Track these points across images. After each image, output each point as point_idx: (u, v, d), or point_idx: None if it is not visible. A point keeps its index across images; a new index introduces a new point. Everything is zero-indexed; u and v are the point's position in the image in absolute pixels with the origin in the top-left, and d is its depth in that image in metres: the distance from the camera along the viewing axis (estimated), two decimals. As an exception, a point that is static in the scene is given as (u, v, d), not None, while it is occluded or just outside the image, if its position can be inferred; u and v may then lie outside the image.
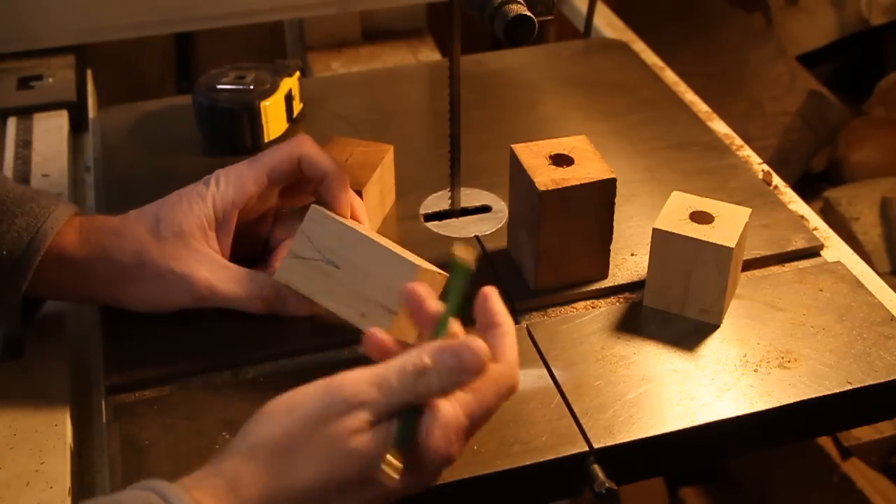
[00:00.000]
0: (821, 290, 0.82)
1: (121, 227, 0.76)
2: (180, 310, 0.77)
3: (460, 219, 0.91)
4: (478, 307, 0.64)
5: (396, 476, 0.57)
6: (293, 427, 0.57)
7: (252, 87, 0.99)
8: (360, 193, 0.83)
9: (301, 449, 0.57)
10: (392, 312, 0.72)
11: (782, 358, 0.76)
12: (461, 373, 0.59)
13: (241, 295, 0.76)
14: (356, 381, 0.58)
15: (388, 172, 0.91)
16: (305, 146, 0.79)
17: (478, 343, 0.59)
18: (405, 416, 0.58)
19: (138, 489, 0.55)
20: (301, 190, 0.82)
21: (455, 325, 0.64)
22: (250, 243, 0.82)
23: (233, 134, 0.99)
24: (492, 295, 0.64)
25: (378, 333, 0.63)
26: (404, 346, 0.63)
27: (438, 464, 0.59)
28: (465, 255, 0.63)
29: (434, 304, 0.63)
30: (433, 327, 0.62)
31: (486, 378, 0.60)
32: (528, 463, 0.68)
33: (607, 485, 0.67)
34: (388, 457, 0.57)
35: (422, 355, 0.59)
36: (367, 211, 0.83)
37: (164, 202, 0.77)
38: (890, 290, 0.85)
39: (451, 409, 0.59)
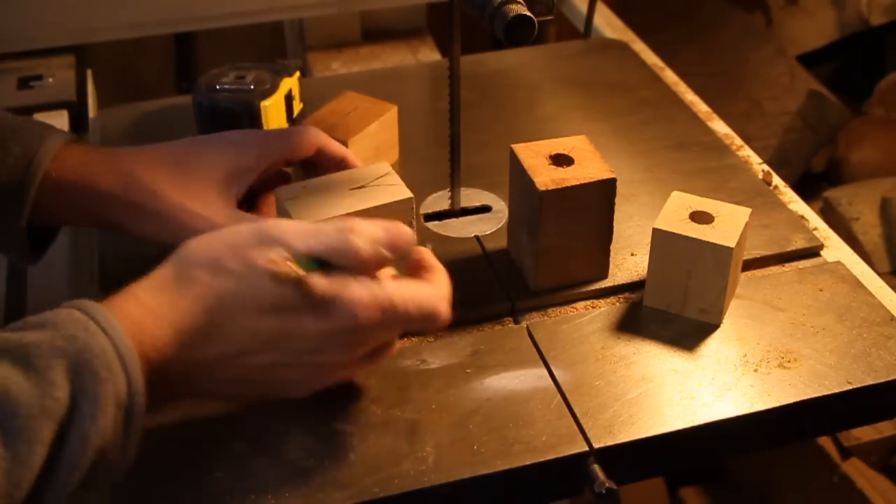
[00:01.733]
0: (821, 290, 0.82)
1: (137, 157, 0.77)
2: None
3: (460, 219, 0.91)
4: (412, 261, 0.68)
5: (307, 280, 0.60)
6: (218, 249, 0.62)
7: (252, 87, 0.99)
8: (345, 143, 0.89)
9: (220, 269, 0.61)
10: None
11: (782, 358, 0.76)
12: (387, 244, 0.63)
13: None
14: (292, 224, 0.64)
15: (388, 130, 0.97)
16: (321, 137, 0.83)
17: (403, 228, 0.65)
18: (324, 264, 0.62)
19: (65, 307, 0.57)
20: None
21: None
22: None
23: (233, 134, 0.99)
24: (425, 251, 0.69)
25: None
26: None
27: (349, 312, 0.62)
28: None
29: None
30: None
31: (415, 287, 0.65)
32: (528, 463, 0.68)
33: (607, 485, 0.67)
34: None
35: (353, 220, 0.64)
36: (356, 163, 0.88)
37: (187, 146, 0.79)
38: (890, 290, 0.85)
39: (371, 279, 0.63)
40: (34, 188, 0.74)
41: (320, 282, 0.61)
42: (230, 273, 0.61)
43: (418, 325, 0.67)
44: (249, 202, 0.83)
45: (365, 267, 0.63)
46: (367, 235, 0.63)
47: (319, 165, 0.84)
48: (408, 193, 0.80)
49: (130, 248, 0.83)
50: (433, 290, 0.66)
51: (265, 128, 0.99)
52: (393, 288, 0.64)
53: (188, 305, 0.60)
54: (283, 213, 0.78)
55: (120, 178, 0.76)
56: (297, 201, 0.78)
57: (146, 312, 0.59)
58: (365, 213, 0.77)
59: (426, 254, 0.69)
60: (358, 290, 0.62)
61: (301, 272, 0.61)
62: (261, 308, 0.61)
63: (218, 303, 0.60)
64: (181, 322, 0.60)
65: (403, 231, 0.65)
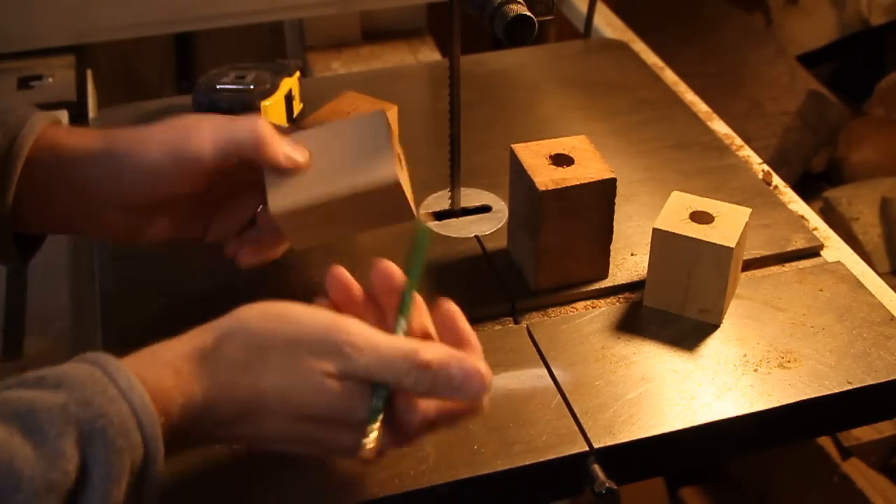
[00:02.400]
0: (821, 290, 0.82)
1: (133, 132, 0.71)
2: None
3: (460, 219, 0.91)
4: (442, 324, 0.64)
5: (374, 447, 0.58)
6: (275, 339, 0.58)
7: (252, 87, 0.99)
8: None
9: (270, 361, 0.57)
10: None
11: (782, 358, 0.76)
12: (457, 392, 0.59)
13: (272, 138, 0.70)
14: (361, 334, 0.58)
15: None
16: (262, 124, 0.73)
17: (487, 373, 0.60)
18: (378, 390, 0.59)
19: (82, 362, 0.55)
20: None
21: (418, 300, 0.64)
22: (234, 217, 0.77)
23: (233, 134, 0.99)
24: (457, 314, 0.64)
25: (341, 271, 0.64)
26: (366, 289, 0.65)
27: (406, 442, 0.61)
28: (425, 218, 0.65)
29: (398, 277, 0.64)
30: (398, 300, 0.63)
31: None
32: (528, 463, 0.68)
33: (607, 485, 0.67)
34: (370, 430, 0.58)
35: (428, 353, 0.59)
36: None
37: (189, 122, 0.71)
38: (890, 290, 0.85)
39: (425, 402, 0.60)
40: (17, 170, 0.68)
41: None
42: (280, 372, 0.57)
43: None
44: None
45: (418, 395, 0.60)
46: (436, 375, 0.59)
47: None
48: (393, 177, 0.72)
49: (130, 247, 0.83)
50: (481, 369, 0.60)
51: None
52: (444, 408, 0.61)
53: (225, 388, 0.57)
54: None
55: (98, 139, 0.70)
56: (278, 186, 0.71)
57: (176, 379, 0.56)
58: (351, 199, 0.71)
59: (461, 322, 0.64)
60: (410, 421, 0.60)
61: (374, 439, 0.58)
62: (304, 416, 0.58)
63: (258, 397, 0.57)
64: (214, 402, 0.57)
65: (484, 374, 0.60)
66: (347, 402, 0.58)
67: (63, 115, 1.09)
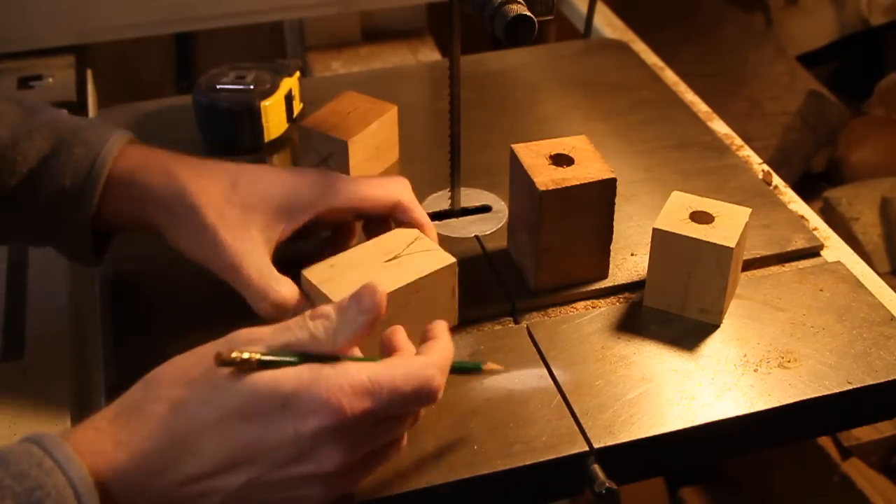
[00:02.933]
0: (821, 290, 0.82)
1: (195, 169, 0.75)
2: (204, 266, 0.75)
3: (460, 219, 0.91)
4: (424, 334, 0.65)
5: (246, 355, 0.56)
6: (185, 364, 0.58)
7: (252, 87, 0.99)
8: (345, 144, 0.90)
9: (184, 381, 0.57)
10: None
11: (782, 358, 0.76)
12: (358, 312, 0.59)
13: (260, 285, 0.72)
14: (264, 328, 0.59)
15: (389, 130, 0.97)
16: (404, 193, 0.78)
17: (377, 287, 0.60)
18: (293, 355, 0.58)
19: (23, 441, 0.55)
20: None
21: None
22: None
23: (233, 134, 0.99)
24: (441, 323, 0.66)
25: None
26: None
27: (328, 404, 0.56)
28: (494, 367, 0.68)
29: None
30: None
31: (401, 359, 0.60)
32: (528, 463, 0.68)
33: (607, 485, 0.67)
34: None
35: (322, 307, 0.60)
36: (354, 164, 0.88)
37: (249, 169, 0.76)
38: (890, 290, 0.85)
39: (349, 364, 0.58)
40: (98, 192, 0.73)
41: (286, 374, 0.56)
42: (192, 383, 0.56)
43: (412, 400, 0.59)
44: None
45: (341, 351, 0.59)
46: (333, 321, 0.59)
47: (380, 224, 0.78)
48: (450, 259, 0.74)
49: (130, 248, 0.83)
50: (424, 360, 0.60)
51: (265, 128, 0.99)
52: (375, 366, 0.58)
53: (149, 427, 0.55)
54: (314, 295, 0.72)
55: (171, 188, 0.73)
56: (332, 283, 0.71)
57: (105, 440, 0.55)
58: (411, 286, 0.71)
59: (439, 326, 0.65)
60: (334, 376, 0.56)
61: (248, 355, 0.56)
62: (227, 416, 0.55)
63: (180, 418, 0.56)
64: (141, 445, 0.55)
65: (369, 292, 0.60)
66: (263, 383, 0.56)
67: (63, 115, 1.10)
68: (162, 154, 0.76)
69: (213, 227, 0.72)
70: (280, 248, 0.76)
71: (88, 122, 0.77)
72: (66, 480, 0.52)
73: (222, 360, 0.56)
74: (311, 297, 0.73)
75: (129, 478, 0.55)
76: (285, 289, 0.73)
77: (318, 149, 0.93)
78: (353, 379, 0.57)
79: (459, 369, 0.67)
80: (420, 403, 0.61)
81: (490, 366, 0.68)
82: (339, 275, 0.72)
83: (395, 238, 0.75)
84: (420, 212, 0.78)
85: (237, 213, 0.73)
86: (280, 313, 0.72)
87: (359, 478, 0.62)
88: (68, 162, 0.73)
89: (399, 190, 0.78)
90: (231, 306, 0.76)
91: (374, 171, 0.95)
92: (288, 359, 0.57)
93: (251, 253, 0.73)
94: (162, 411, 0.56)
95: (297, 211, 0.75)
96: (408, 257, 0.74)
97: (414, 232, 0.76)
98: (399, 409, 0.59)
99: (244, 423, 0.56)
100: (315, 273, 0.73)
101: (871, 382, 0.74)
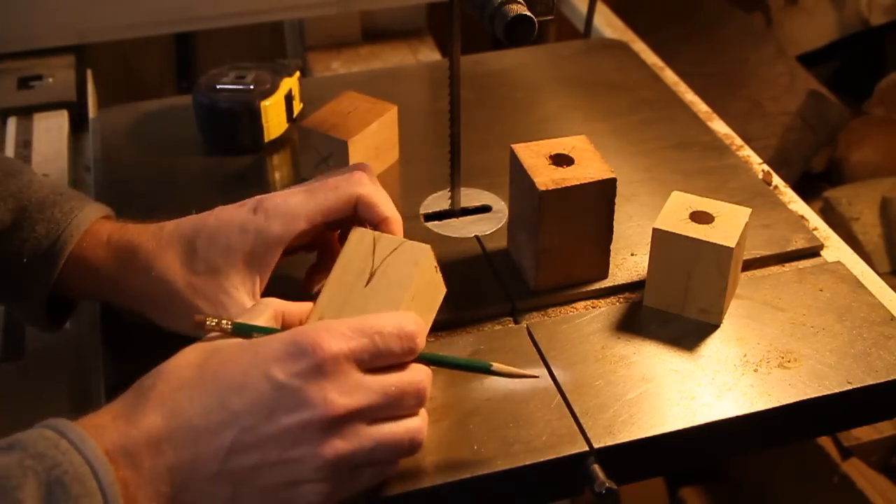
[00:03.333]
0: (821, 290, 0.82)
1: (153, 250, 0.72)
2: None
3: (460, 219, 0.91)
4: None
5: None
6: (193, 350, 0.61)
7: (252, 87, 0.99)
8: (345, 144, 0.91)
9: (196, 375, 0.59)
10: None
11: (782, 358, 0.76)
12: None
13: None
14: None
15: (389, 130, 0.97)
16: (363, 186, 0.74)
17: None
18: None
19: (36, 428, 0.56)
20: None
21: None
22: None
23: (233, 134, 0.99)
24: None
25: None
26: None
27: (304, 349, 0.57)
28: (502, 369, 0.67)
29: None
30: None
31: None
32: (528, 463, 0.68)
33: (607, 485, 0.67)
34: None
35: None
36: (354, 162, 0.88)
37: (203, 228, 0.72)
38: (890, 290, 0.85)
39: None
40: (55, 272, 0.72)
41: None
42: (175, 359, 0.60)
43: (394, 341, 0.61)
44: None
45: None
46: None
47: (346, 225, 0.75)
48: (424, 248, 0.68)
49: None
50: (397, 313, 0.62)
51: (265, 128, 0.99)
52: (351, 319, 0.60)
53: (152, 406, 0.58)
54: None
55: (139, 276, 0.72)
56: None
57: (113, 421, 0.57)
58: (410, 298, 0.67)
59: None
60: (313, 328, 0.59)
61: (225, 322, 0.60)
62: (212, 375, 0.58)
63: (168, 377, 0.59)
64: (146, 424, 0.57)
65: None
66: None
67: (63, 116, 1.10)
68: (125, 233, 0.73)
69: (192, 305, 0.71)
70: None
71: (59, 196, 0.74)
72: (82, 459, 0.54)
73: (199, 322, 0.61)
74: None
75: (139, 458, 0.56)
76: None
77: (317, 149, 0.93)
78: (331, 325, 0.59)
79: (468, 367, 0.68)
80: (402, 345, 0.61)
81: (499, 367, 0.67)
82: (331, 309, 0.66)
83: (356, 251, 0.68)
84: (383, 204, 0.74)
85: (207, 282, 0.71)
86: None
87: (363, 476, 0.62)
88: (28, 239, 0.72)
89: (355, 187, 0.74)
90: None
91: (375, 171, 0.94)
92: (263, 326, 0.61)
93: (237, 312, 0.71)
94: (147, 383, 0.59)
95: (264, 254, 0.72)
96: (382, 270, 0.67)
97: (368, 234, 0.68)
98: (382, 350, 0.60)
99: (239, 394, 0.58)
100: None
101: (871, 382, 0.74)
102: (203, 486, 0.57)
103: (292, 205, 0.73)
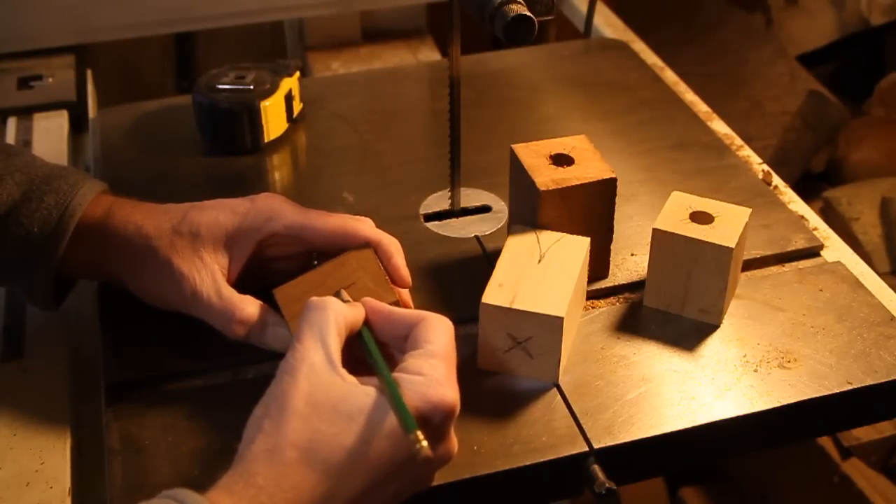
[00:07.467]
0: (821, 290, 0.82)
1: (149, 214, 0.76)
2: (172, 309, 0.76)
3: (460, 219, 0.91)
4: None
5: (426, 444, 0.57)
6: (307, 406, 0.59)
7: (252, 87, 0.99)
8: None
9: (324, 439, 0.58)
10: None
11: (782, 358, 0.76)
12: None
13: (222, 307, 0.73)
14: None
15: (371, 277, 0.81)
16: (360, 227, 0.75)
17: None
18: (386, 388, 0.59)
19: (161, 497, 0.56)
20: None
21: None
22: (263, 276, 0.78)
23: (233, 134, 0.99)
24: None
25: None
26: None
27: (444, 413, 0.60)
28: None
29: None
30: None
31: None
32: (528, 463, 0.68)
33: (607, 485, 0.67)
34: (412, 435, 0.57)
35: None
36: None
37: (201, 203, 0.77)
38: (890, 290, 0.85)
39: (416, 362, 0.62)
40: (65, 241, 0.74)
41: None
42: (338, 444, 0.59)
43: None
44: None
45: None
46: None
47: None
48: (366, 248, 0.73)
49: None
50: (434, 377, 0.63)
51: (265, 128, 0.99)
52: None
53: (301, 477, 0.57)
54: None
55: (129, 232, 0.75)
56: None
57: (242, 492, 0.57)
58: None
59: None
60: (434, 394, 0.61)
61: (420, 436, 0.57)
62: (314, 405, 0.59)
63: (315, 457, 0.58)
64: (299, 495, 0.57)
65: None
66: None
67: (63, 116, 1.10)
68: (125, 203, 0.77)
69: (167, 260, 0.74)
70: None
71: (62, 169, 0.77)
72: None
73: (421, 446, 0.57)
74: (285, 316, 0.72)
75: None
76: (249, 307, 0.73)
77: None
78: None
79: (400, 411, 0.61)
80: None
81: (419, 437, 0.58)
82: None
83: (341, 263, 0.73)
84: (374, 233, 0.75)
85: (187, 244, 0.74)
86: (248, 331, 0.73)
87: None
88: (38, 209, 0.74)
89: (352, 221, 0.76)
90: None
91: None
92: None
93: (208, 278, 0.74)
94: (295, 455, 0.58)
95: (242, 237, 0.75)
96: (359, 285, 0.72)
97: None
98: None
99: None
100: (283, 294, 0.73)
101: (871, 382, 0.74)
102: None
103: (281, 208, 0.76)
